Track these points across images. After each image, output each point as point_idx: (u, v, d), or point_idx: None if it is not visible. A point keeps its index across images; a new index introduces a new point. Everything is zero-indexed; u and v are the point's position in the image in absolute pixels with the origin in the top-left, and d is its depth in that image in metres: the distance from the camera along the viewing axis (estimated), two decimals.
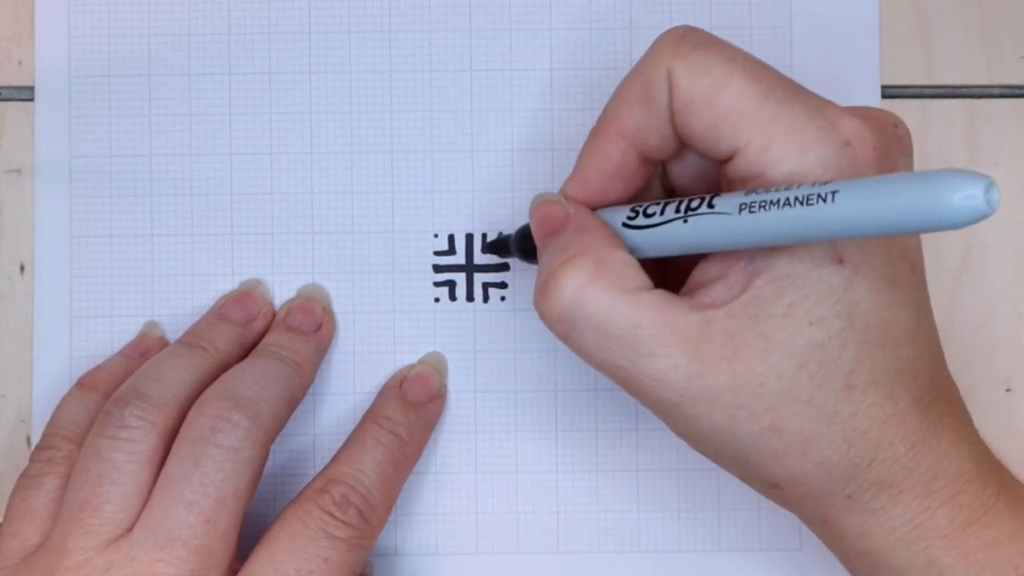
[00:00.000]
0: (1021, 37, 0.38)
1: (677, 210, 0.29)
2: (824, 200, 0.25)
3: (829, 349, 0.28)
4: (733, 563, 0.38)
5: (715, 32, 0.30)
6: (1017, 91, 0.38)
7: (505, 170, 0.38)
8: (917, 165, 0.38)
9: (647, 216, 0.30)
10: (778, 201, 0.26)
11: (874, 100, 0.38)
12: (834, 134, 0.28)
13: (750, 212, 0.27)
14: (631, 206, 0.30)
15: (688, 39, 0.29)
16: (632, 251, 0.30)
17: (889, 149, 0.29)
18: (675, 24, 0.31)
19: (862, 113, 0.29)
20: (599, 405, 0.38)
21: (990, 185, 0.23)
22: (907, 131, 0.30)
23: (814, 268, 0.27)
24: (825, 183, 0.25)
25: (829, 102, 0.29)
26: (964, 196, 0.22)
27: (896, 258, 0.29)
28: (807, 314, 0.27)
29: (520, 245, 0.34)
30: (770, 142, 0.27)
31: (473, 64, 0.38)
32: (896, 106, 0.38)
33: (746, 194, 0.27)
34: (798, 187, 0.26)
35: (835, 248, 0.27)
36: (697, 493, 0.38)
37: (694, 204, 0.28)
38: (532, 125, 0.38)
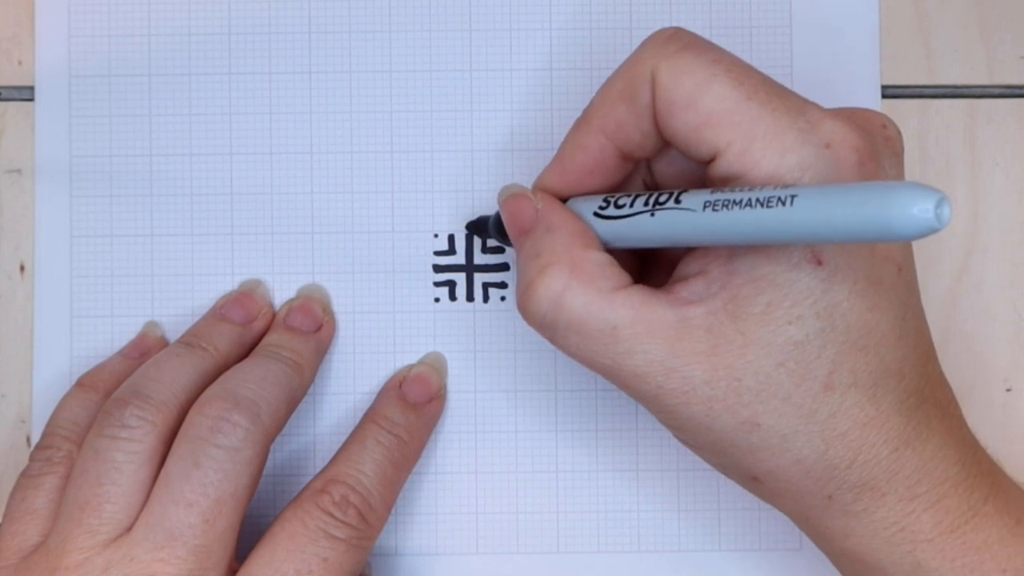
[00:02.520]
0: (1021, 37, 0.38)
1: (646, 203, 0.29)
2: (783, 203, 0.25)
3: (808, 348, 0.28)
4: (733, 563, 0.38)
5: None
6: (1017, 91, 0.38)
7: (505, 170, 0.38)
8: (918, 165, 0.38)
9: (617, 207, 0.30)
10: (740, 201, 0.26)
11: (874, 100, 0.38)
12: (814, 136, 0.28)
13: (713, 210, 0.27)
14: (603, 196, 0.31)
15: (675, 40, 0.29)
16: (603, 242, 0.30)
17: (874, 150, 0.28)
18: (674, 25, 0.31)
19: (847, 115, 0.29)
20: (599, 405, 0.38)
21: (942, 200, 0.23)
22: (897, 132, 0.30)
23: (791, 269, 0.27)
24: (788, 186, 0.26)
25: (812, 104, 0.29)
26: (918, 209, 0.23)
27: (880, 260, 0.29)
28: (785, 313, 0.28)
29: (497, 229, 0.35)
30: (750, 144, 0.27)
31: (473, 64, 0.38)
32: (896, 106, 0.38)
33: (712, 192, 0.27)
34: (761, 189, 0.26)
35: (813, 250, 0.28)
36: (697, 493, 0.38)
37: (662, 199, 0.29)
38: (532, 125, 0.38)
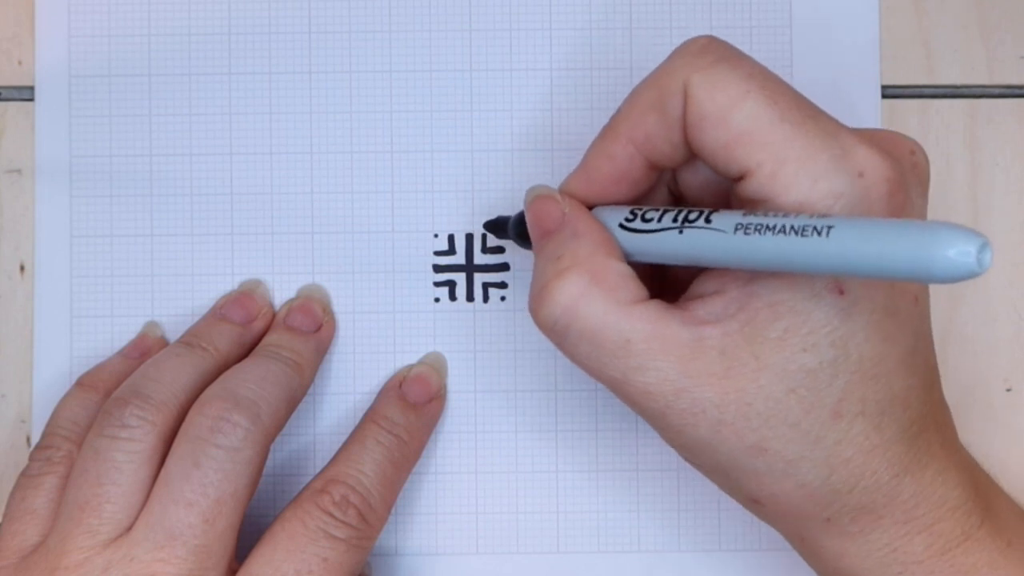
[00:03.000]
0: (1021, 37, 0.38)
1: (675, 219, 0.28)
2: (819, 233, 0.25)
3: (820, 376, 0.27)
4: (733, 563, 0.38)
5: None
6: (1017, 91, 0.38)
7: (505, 170, 0.38)
8: None
9: (644, 221, 0.29)
10: (774, 227, 0.26)
11: (874, 100, 0.38)
12: (847, 163, 0.27)
13: (745, 233, 0.26)
14: (631, 208, 0.30)
15: (709, 51, 0.28)
16: (626, 254, 0.30)
17: (903, 180, 0.28)
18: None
19: (878, 140, 0.28)
20: (599, 405, 0.38)
21: (984, 245, 0.22)
22: (925, 158, 0.30)
23: (812, 297, 0.27)
24: (824, 216, 0.25)
25: (844, 127, 0.28)
26: (957, 252, 0.22)
27: (899, 291, 0.28)
28: (801, 340, 0.27)
29: (517, 231, 0.34)
30: (781, 168, 0.27)
31: (473, 64, 0.38)
32: (896, 106, 0.38)
33: (744, 215, 0.27)
34: (796, 216, 0.25)
35: (836, 279, 0.27)
36: (697, 493, 0.38)
37: (692, 216, 0.28)
38: (532, 125, 0.38)
